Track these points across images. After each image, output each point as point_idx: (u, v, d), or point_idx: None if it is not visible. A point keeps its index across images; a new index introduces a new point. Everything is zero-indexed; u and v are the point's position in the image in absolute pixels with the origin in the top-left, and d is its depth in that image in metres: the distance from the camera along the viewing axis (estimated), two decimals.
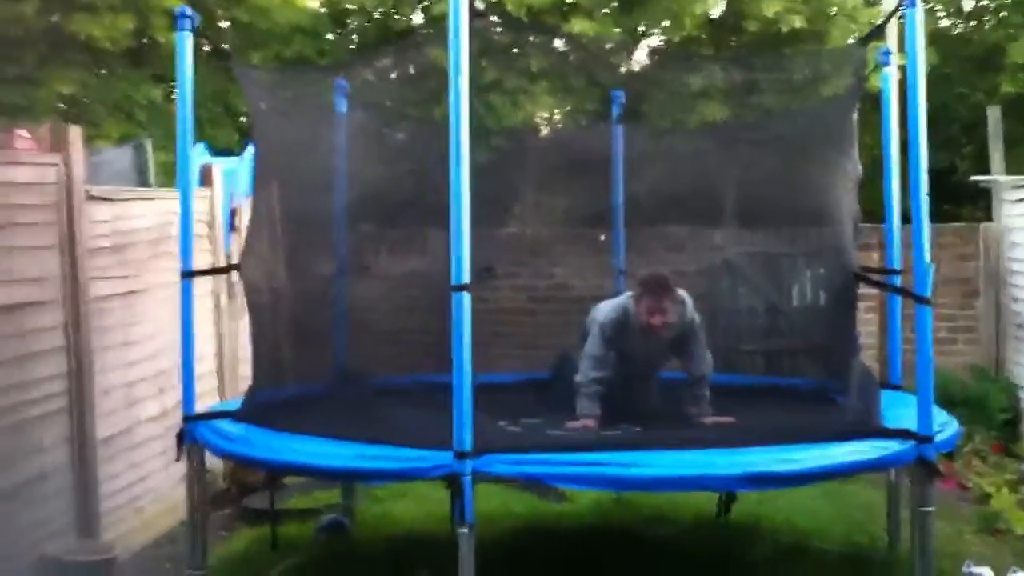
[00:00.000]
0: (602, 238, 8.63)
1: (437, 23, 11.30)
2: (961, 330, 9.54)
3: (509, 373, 7.16)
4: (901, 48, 5.12)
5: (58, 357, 5.63)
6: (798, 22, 11.66)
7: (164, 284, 6.57)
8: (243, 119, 12.22)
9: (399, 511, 6.95)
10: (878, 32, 6.34)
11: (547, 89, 11.62)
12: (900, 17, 5.03)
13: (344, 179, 6.58)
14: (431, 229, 7.89)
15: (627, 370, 5.93)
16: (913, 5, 4.84)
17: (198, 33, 5.57)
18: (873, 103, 6.74)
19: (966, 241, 9.64)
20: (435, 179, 5.03)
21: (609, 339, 5.87)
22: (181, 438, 5.36)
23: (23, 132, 6.95)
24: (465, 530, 4.49)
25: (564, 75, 11.53)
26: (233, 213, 8.01)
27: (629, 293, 6.12)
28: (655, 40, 12.98)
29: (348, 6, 12.88)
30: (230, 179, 8.14)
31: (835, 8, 12.11)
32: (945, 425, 5.25)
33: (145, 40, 11.93)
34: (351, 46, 13.09)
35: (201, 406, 5.86)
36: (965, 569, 5.52)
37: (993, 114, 9.90)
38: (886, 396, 5.64)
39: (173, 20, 5.53)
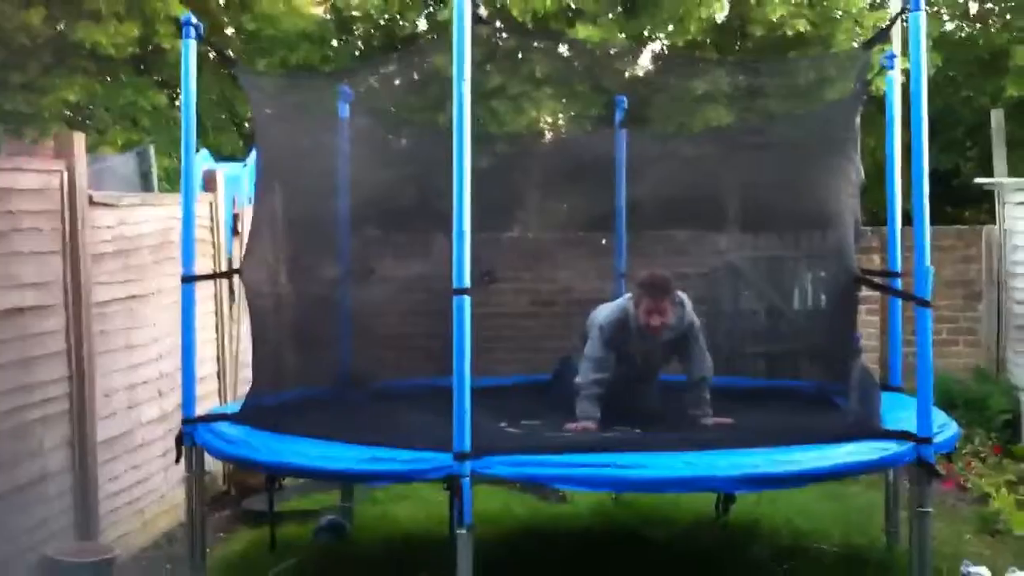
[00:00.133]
0: (603, 242, 8.65)
1: (442, 29, 11.35)
2: (962, 332, 9.55)
3: (510, 376, 7.19)
4: (905, 51, 5.14)
5: (60, 361, 5.66)
6: (803, 26, 11.67)
7: (167, 289, 6.61)
8: (247, 125, 12.26)
9: (398, 513, 6.97)
10: (882, 36, 6.35)
11: (551, 94, 11.65)
12: (904, 20, 5.04)
13: (346, 185, 6.61)
14: (433, 234, 7.95)
15: (627, 372, 5.94)
16: (917, 8, 4.86)
17: (203, 40, 5.61)
18: (877, 106, 6.75)
19: (968, 243, 9.64)
20: (437, 184, 5.06)
21: (609, 341, 5.88)
22: (181, 440, 5.40)
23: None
24: (464, 531, 4.51)
25: (568, 80, 11.57)
26: (235, 218, 8.05)
27: (629, 295, 6.14)
28: (660, 45, 13.00)
29: (353, 13, 12.91)
30: (233, 184, 8.18)
31: (840, 12, 12.12)
32: (944, 426, 5.26)
33: (150, 47, 12.02)
34: (356, 53, 13.13)
35: (202, 409, 5.90)
36: (963, 569, 5.53)
37: (997, 117, 9.91)
38: (886, 398, 5.66)
39: (178, 27, 5.57)
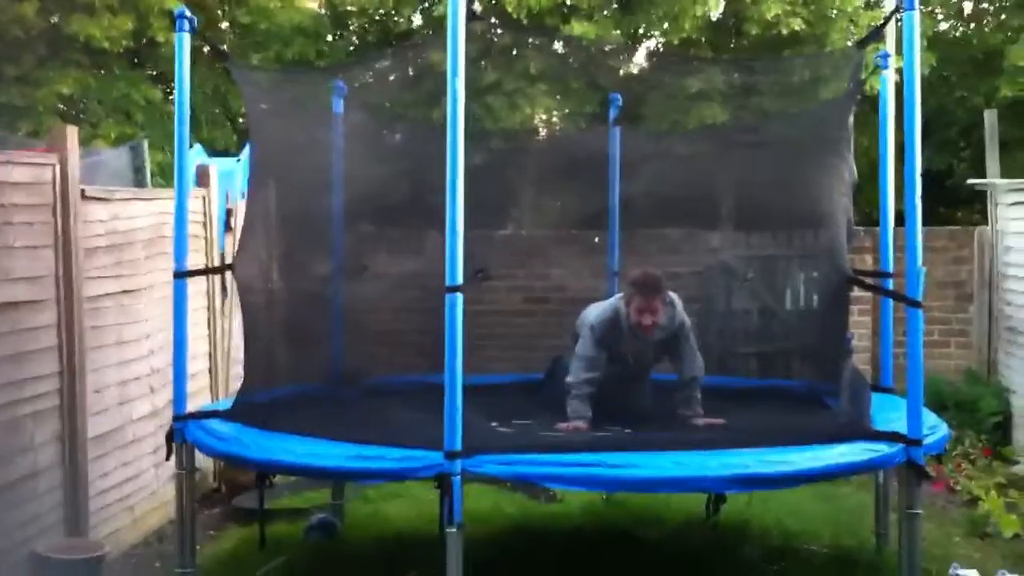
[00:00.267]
0: (596, 240, 8.64)
1: (437, 24, 11.34)
2: (954, 333, 9.55)
3: (502, 374, 7.19)
4: (900, 51, 5.13)
5: (51, 356, 5.65)
6: (798, 25, 11.68)
7: (159, 284, 6.60)
8: (242, 120, 12.24)
9: (389, 511, 6.97)
10: (876, 35, 6.35)
11: (545, 91, 11.65)
12: (899, 20, 5.03)
13: (340, 180, 6.59)
14: (426, 230, 7.94)
15: (618, 371, 5.94)
16: (911, 7, 4.84)
17: (197, 34, 5.59)
18: (872, 105, 6.76)
19: (960, 244, 9.64)
20: (431, 180, 5.05)
21: (600, 340, 5.87)
22: (171, 437, 5.38)
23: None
24: (454, 530, 4.50)
25: (563, 77, 11.57)
26: (229, 213, 8.03)
27: (620, 294, 6.14)
28: (655, 42, 13.00)
29: (348, 8, 12.90)
30: (226, 180, 8.17)
31: (835, 11, 12.13)
32: (935, 428, 5.27)
33: (144, 41, 11.99)
34: (351, 48, 13.12)
35: (194, 406, 5.89)
36: (952, 572, 5.53)
37: (990, 118, 9.92)
38: (877, 399, 5.65)
39: (172, 21, 5.55)
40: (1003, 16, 13.70)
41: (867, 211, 10.00)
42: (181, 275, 5.50)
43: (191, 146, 6.97)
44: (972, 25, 14.14)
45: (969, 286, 9.58)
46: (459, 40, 4.55)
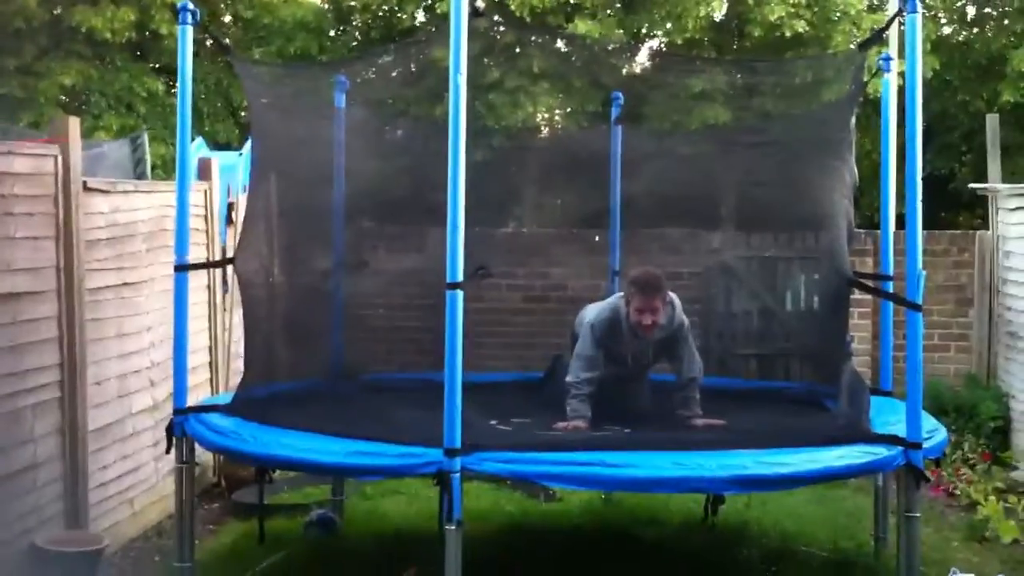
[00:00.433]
0: (597, 239, 8.65)
1: (440, 21, 11.33)
2: (954, 337, 9.56)
3: (502, 373, 7.19)
4: (902, 53, 5.13)
5: (52, 347, 5.64)
6: (801, 27, 11.69)
7: (160, 277, 6.59)
8: (244, 114, 12.25)
9: (388, 508, 6.97)
10: (878, 37, 6.34)
11: (548, 89, 11.66)
12: (902, 23, 5.03)
13: (341, 176, 6.59)
14: (427, 227, 7.95)
15: (617, 371, 5.94)
16: (914, 10, 4.84)
17: (200, 28, 5.59)
18: (874, 108, 6.76)
19: (961, 249, 9.65)
20: (432, 177, 5.04)
21: (600, 339, 5.87)
22: (171, 431, 5.38)
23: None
24: (452, 527, 4.50)
25: (565, 76, 11.57)
26: (230, 207, 8.03)
27: (620, 293, 6.13)
28: (658, 42, 13.01)
29: (352, 3, 12.90)
30: (228, 173, 8.17)
31: (838, 13, 12.14)
32: (934, 432, 5.26)
33: (147, 33, 12.00)
34: (354, 43, 13.12)
35: (194, 399, 5.88)
36: None
37: (992, 122, 9.92)
38: (876, 402, 5.64)
39: (175, 13, 5.54)
40: (1006, 21, 13.70)
41: (868, 214, 10.01)
42: (182, 268, 5.49)
43: (193, 139, 6.97)
44: (975, 30, 14.15)
45: (970, 290, 9.59)
46: (462, 36, 4.54)
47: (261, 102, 6.65)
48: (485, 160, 7.77)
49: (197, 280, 7.09)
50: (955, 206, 13.89)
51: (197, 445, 5.43)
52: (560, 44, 12.75)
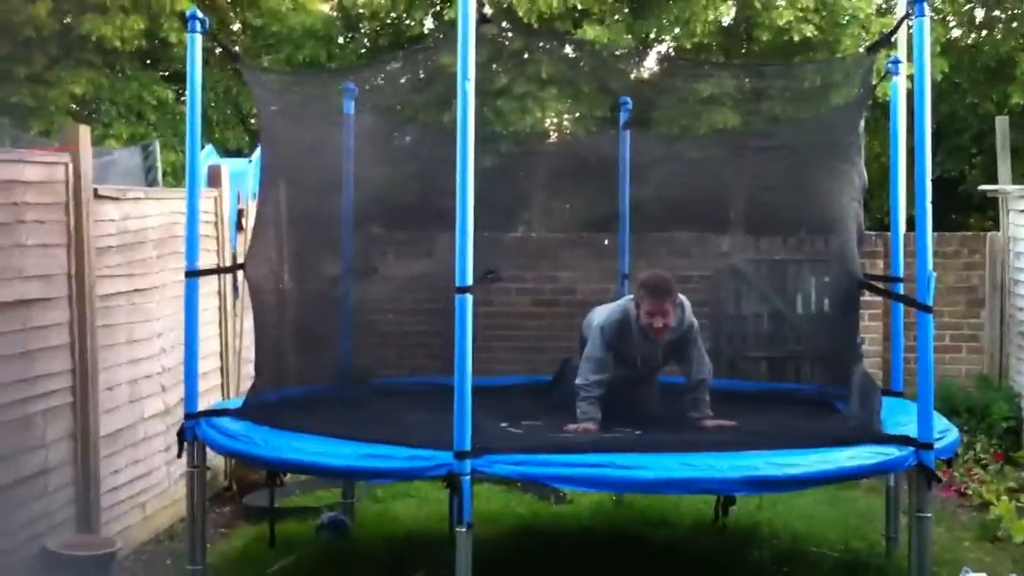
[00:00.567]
0: (606, 243, 8.66)
1: (448, 27, 11.36)
2: (965, 338, 9.54)
3: (512, 376, 7.20)
4: (911, 57, 5.14)
5: (63, 353, 5.67)
6: (809, 31, 11.68)
7: (170, 283, 6.62)
8: (253, 121, 12.29)
9: (399, 511, 6.98)
10: (886, 40, 6.35)
11: (556, 95, 11.66)
12: (910, 26, 5.04)
13: (351, 182, 6.62)
14: (436, 233, 7.96)
15: (627, 372, 5.94)
16: (922, 14, 4.85)
17: (209, 36, 5.61)
18: (884, 111, 6.76)
19: (972, 250, 9.64)
20: (440, 183, 5.06)
21: (609, 341, 5.87)
22: (183, 435, 5.40)
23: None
24: (463, 530, 4.51)
25: (574, 81, 11.57)
26: (240, 213, 8.06)
27: (630, 296, 6.14)
28: (666, 46, 13.01)
29: (360, 11, 12.93)
30: (237, 180, 8.20)
31: (847, 17, 12.12)
32: (945, 432, 5.25)
33: (157, 41, 12.05)
34: (362, 51, 13.16)
35: (205, 404, 5.90)
36: None
37: (1001, 124, 9.91)
38: (887, 403, 5.65)
39: (184, 22, 5.57)
40: (1014, 24, 13.67)
41: (879, 216, 9.99)
42: (193, 274, 5.53)
43: (203, 147, 7.00)
44: (984, 33, 14.13)
45: (981, 291, 9.58)
46: (470, 42, 4.56)
47: (270, 109, 6.69)
48: (494, 165, 7.78)
49: (208, 286, 7.11)
50: (965, 208, 13.86)
51: (208, 449, 5.44)
52: (568, 50, 12.75)
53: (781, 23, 11.61)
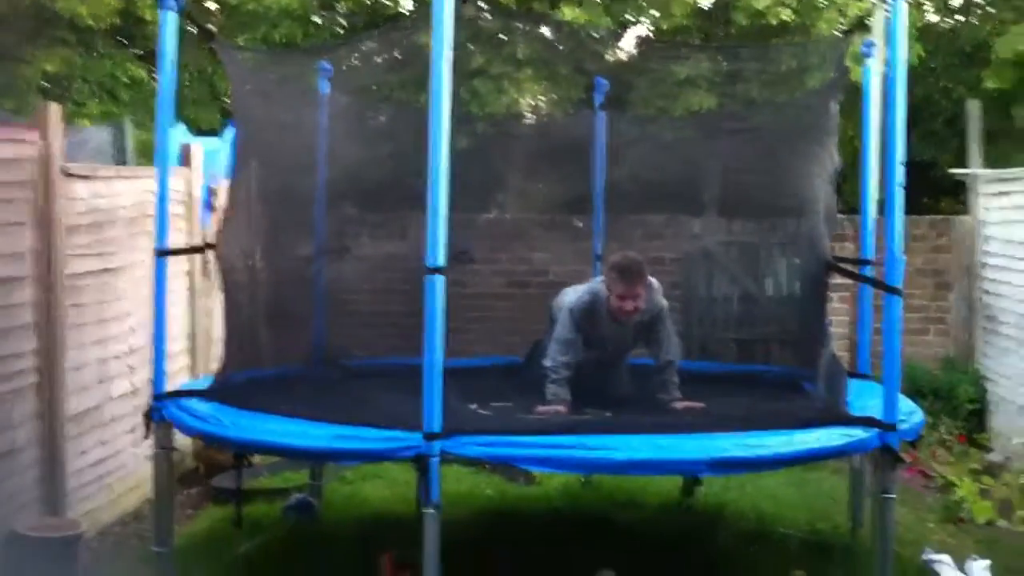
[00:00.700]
0: (579, 224, 8.66)
1: (427, 9, 11.29)
2: (932, 321, 9.62)
3: (484, 357, 7.20)
4: (888, 41, 5.15)
5: (30, 333, 5.64)
6: (787, 15, 11.68)
7: (140, 262, 6.59)
8: (227, 100, 12.19)
9: (367, 492, 6.99)
10: (863, 24, 6.36)
11: (532, 76, 11.62)
12: (887, 10, 5.05)
13: (324, 162, 6.59)
14: (409, 212, 7.94)
15: (596, 354, 5.95)
16: None
17: (184, 13, 5.56)
18: (858, 94, 6.78)
19: (941, 233, 9.70)
20: (415, 163, 5.04)
21: (578, 323, 5.87)
22: (149, 416, 5.36)
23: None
24: (431, 510, 4.51)
25: (550, 62, 11.54)
26: (211, 193, 8.02)
27: (600, 278, 6.14)
28: (644, 28, 12.98)
29: None
30: (210, 159, 8.15)
31: (824, 1, 12.13)
32: (910, 414, 5.30)
33: (131, 19, 11.93)
34: (340, 30, 13.06)
35: (174, 385, 5.88)
36: (924, 556, 5.58)
37: (973, 108, 9.96)
38: (854, 385, 5.67)
39: None
40: (991, 9, 13.71)
41: (850, 200, 10.02)
42: (163, 253, 5.49)
43: (174, 125, 6.95)
44: (960, 18, 14.17)
45: (948, 274, 9.64)
46: (446, 20, 4.54)
47: (244, 88, 6.64)
48: (469, 146, 7.76)
49: (177, 266, 7.08)
50: (937, 192, 13.92)
51: (176, 430, 5.42)
52: (545, 31, 12.71)
53: (759, 6, 11.60)
